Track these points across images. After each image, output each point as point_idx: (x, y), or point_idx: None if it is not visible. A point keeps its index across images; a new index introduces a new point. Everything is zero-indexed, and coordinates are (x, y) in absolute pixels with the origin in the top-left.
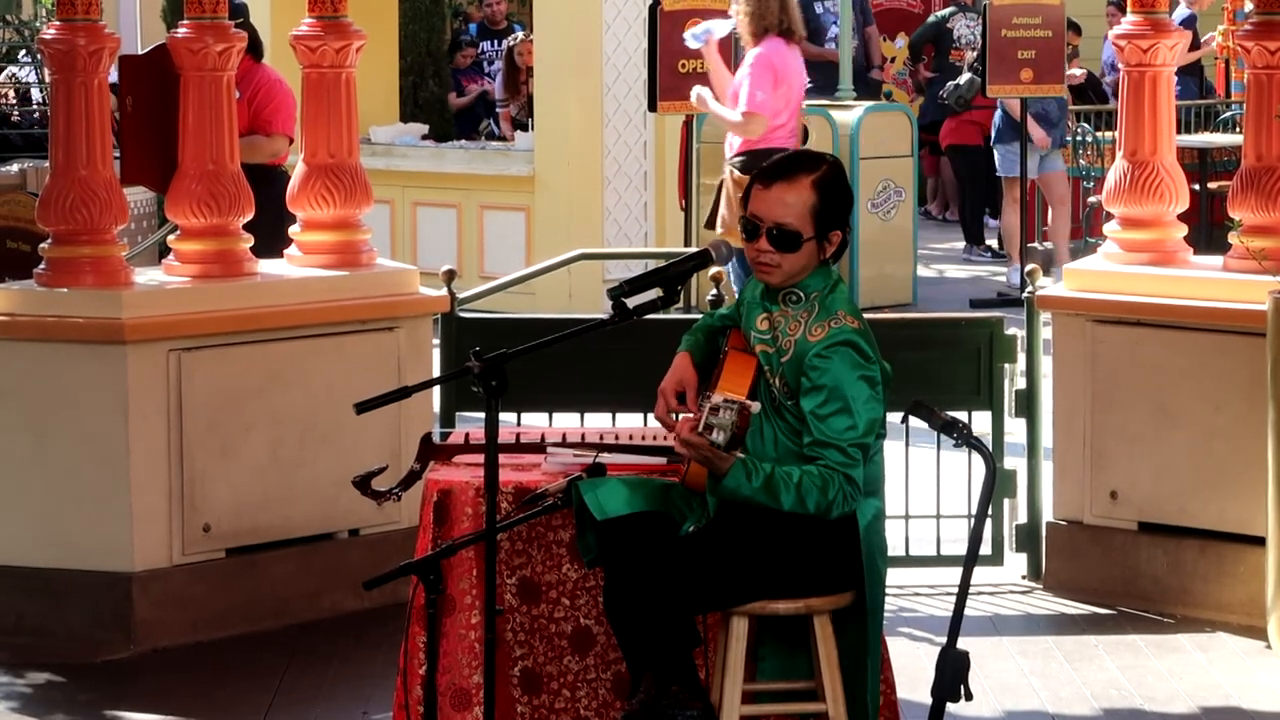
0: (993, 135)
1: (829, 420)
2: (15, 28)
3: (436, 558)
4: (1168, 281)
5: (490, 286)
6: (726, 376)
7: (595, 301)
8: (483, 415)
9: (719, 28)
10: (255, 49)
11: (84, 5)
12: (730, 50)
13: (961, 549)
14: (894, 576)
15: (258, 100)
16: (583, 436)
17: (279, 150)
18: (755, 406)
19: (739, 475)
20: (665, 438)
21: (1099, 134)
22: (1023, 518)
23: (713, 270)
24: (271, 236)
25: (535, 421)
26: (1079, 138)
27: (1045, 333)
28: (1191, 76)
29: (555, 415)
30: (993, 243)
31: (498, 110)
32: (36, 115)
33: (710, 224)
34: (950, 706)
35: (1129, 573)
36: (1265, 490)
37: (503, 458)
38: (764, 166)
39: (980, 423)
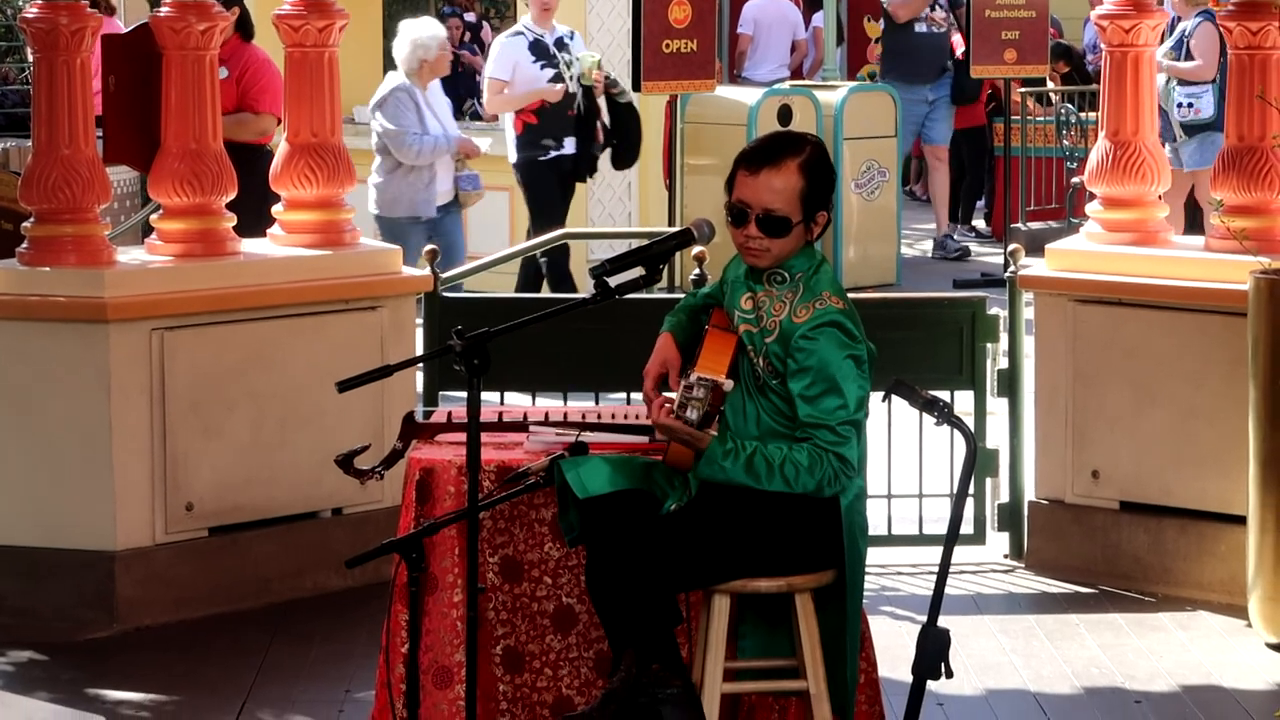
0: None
1: (818, 401)
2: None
3: (419, 536)
4: (1149, 261)
5: (474, 266)
6: (705, 355)
7: (579, 281)
8: (465, 394)
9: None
10: (245, 28)
11: None
12: None
13: (944, 528)
14: (876, 555)
15: (246, 79)
16: (565, 415)
17: (267, 129)
18: (729, 384)
19: (716, 454)
20: (648, 417)
21: (1083, 114)
22: (1005, 497)
23: (695, 249)
24: (255, 216)
25: (518, 400)
26: (1062, 118)
27: (1028, 313)
28: None
29: (538, 394)
30: (978, 223)
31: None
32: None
33: None
34: (931, 684)
35: (1110, 552)
36: (1246, 470)
37: (485, 436)
38: (748, 151)
39: (963, 402)
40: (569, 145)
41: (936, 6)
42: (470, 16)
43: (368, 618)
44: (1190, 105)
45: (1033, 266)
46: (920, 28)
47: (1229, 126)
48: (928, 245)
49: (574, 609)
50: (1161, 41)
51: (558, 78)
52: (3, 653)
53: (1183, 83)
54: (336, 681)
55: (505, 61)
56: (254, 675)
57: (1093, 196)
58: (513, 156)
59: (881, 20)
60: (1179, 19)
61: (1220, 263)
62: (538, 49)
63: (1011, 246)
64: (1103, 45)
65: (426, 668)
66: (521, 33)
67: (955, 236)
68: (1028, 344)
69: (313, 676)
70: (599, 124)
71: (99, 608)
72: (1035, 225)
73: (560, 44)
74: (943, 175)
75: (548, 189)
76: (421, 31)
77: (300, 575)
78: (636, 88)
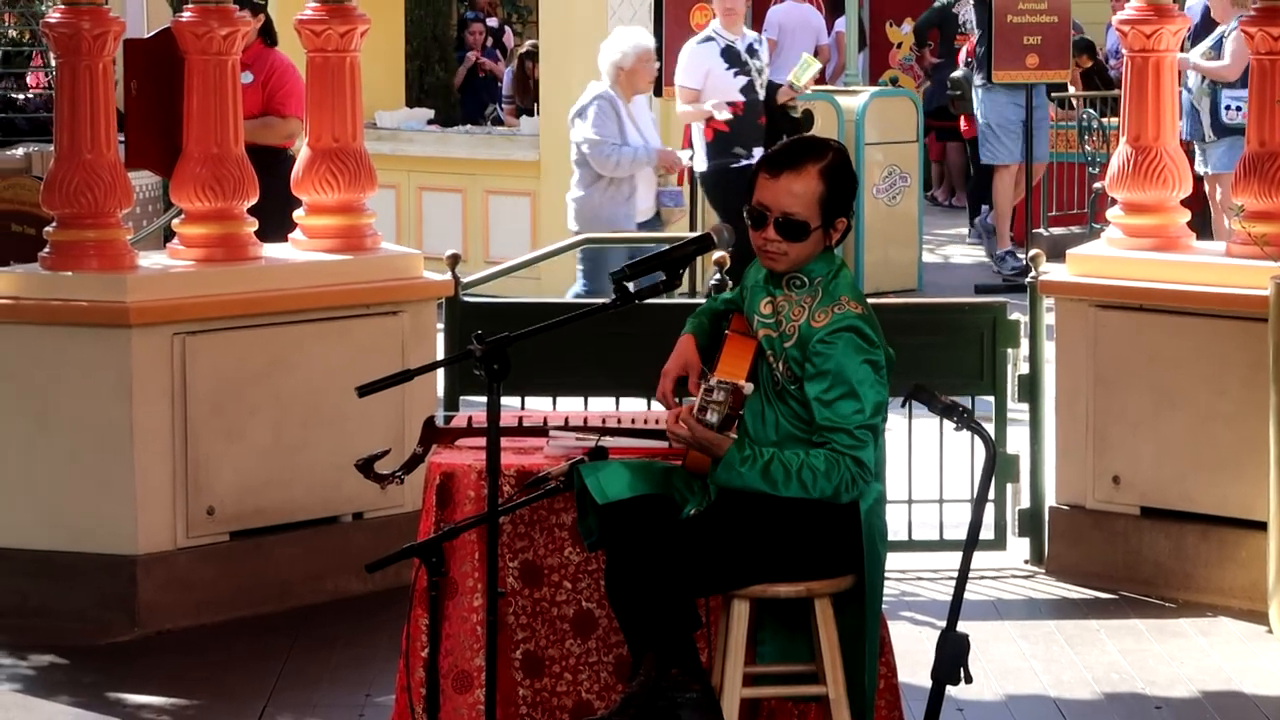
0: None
1: (835, 405)
2: (21, 11)
3: (439, 540)
4: (1170, 267)
5: (495, 271)
6: (725, 359)
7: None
8: (485, 399)
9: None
10: (269, 35)
11: None
12: None
13: (964, 533)
14: (896, 561)
15: (272, 83)
16: (585, 420)
17: (294, 132)
18: (748, 388)
19: (734, 459)
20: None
21: (1104, 120)
22: (1025, 502)
23: (715, 254)
24: (280, 219)
25: (538, 405)
26: (1084, 123)
27: (1049, 318)
28: None
29: (558, 399)
30: None
31: (503, 105)
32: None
33: None
34: (951, 690)
35: (1131, 557)
36: (1267, 475)
37: (505, 441)
38: (770, 154)
39: (983, 407)
40: (759, 154)
41: None
42: (493, 21)
43: (388, 622)
44: (1239, 109)
45: (1054, 272)
46: None
47: (1250, 132)
48: (949, 250)
49: (594, 613)
50: (1186, 45)
51: (750, 85)
52: (24, 656)
53: (1230, 85)
54: (357, 686)
55: (697, 69)
56: (274, 680)
57: (1114, 202)
58: (701, 165)
59: (974, 19)
60: (1213, 22)
61: (1241, 268)
62: (729, 55)
63: (1033, 252)
64: (1124, 51)
65: (446, 672)
66: (712, 38)
67: (1017, 254)
68: (1049, 349)
69: (333, 681)
70: (785, 135)
71: (120, 611)
72: (1057, 230)
73: (751, 50)
74: (1019, 188)
75: (731, 206)
76: (623, 40)
77: (321, 579)
78: (659, 92)
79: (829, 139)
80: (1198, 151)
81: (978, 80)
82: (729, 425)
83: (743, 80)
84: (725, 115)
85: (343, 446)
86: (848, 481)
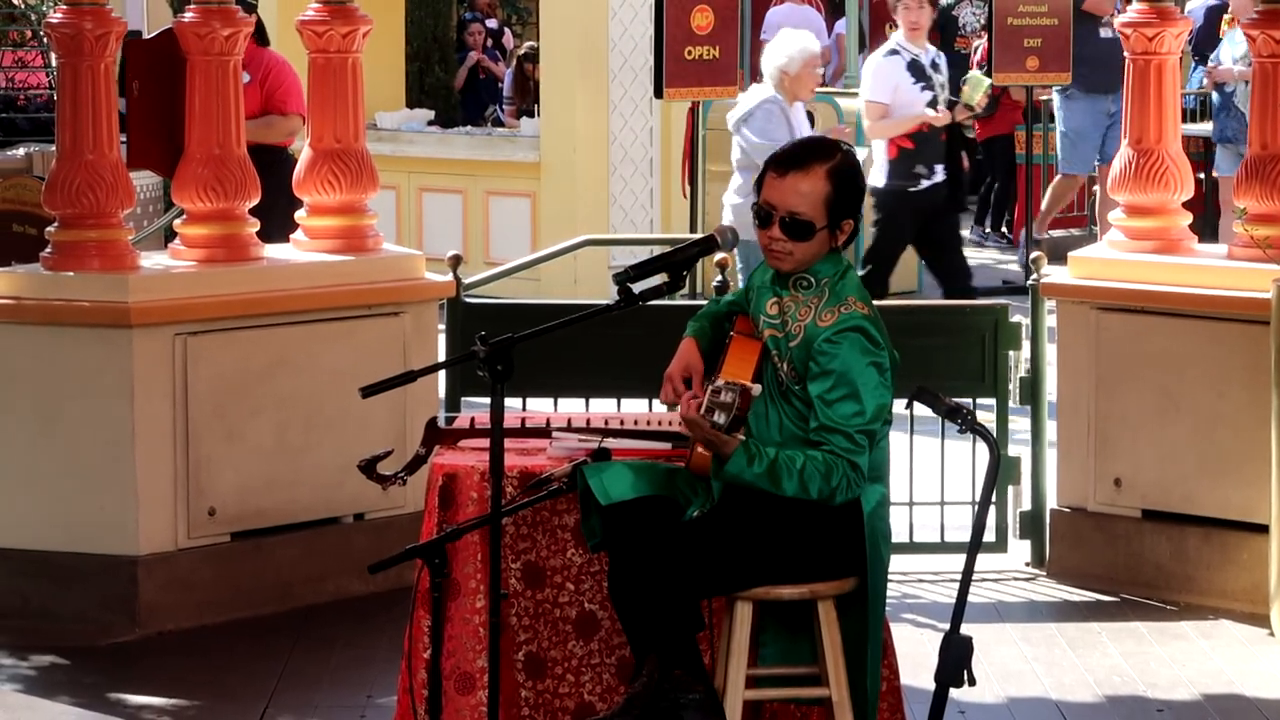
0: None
1: (836, 406)
2: (22, 12)
3: (441, 541)
4: (1172, 269)
5: (496, 272)
6: (731, 360)
7: (601, 287)
8: (488, 400)
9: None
10: (260, 35)
11: None
12: None
13: (966, 536)
14: (898, 563)
15: (269, 82)
16: (588, 421)
17: (295, 129)
18: (757, 389)
19: (741, 460)
20: (670, 423)
21: None
22: (1027, 504)
23: (718, 256)
24: (281, 220)
25: (540, 406)
26: None
27: (1050, 320)
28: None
29: (560, 400)
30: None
31: (504, 106)
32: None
33: None
34: (953, 692)
35: (1132, 560)
36: (1269, 478)
37: (508, 442)
38: (777, 155)
39: (984, 409)
40: (939, 172)
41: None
42: (492, 23)
43: (390, 623)
44: None
45: (1055, 274)
46: (1105, 33)
47: (1252, 135)
48: None
49: (596, 615)
50: (1188, 49)
51: (934, 101)
52: (25, 656)
53: None
54: (358, 687)
55: (885, 83)
56: (275, 680)
57: (1116, 204)
58: (879, 182)
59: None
60: (1215, 25)
61: (1243, 271)
62: (915, 69)
63: (1034, 254)
64: (1126, 53)
65: (449, 673)
66: (897, 51)
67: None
68: (1050, 351)
69: (334, 682)
70: (963, 151)
71: (121, 612)
72: (1058, 233)
73: (934, 64)
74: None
75: (901, 228)
76: (790, 45)
77: (322, 580)
78: (659, 94)
79: (838, 140)
80: (1219, 153)
81: (1058, 88)
82: (737, 427)
83: (928, 95)
84: (944, 120)
85: (344, 447)
86: (844, 485)
